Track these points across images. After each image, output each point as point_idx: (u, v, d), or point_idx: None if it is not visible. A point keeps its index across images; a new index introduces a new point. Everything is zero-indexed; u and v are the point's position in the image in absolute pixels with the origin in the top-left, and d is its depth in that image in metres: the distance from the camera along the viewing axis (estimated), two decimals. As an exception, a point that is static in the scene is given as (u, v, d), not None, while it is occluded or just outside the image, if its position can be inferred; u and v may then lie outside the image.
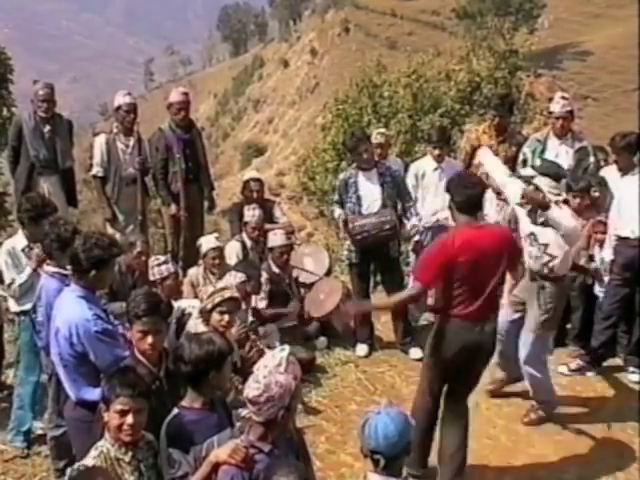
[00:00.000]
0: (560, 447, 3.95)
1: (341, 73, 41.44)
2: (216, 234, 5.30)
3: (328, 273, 5.70)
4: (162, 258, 4.48)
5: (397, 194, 4.96)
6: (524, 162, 5.30)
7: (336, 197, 5.16)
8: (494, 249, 3.41)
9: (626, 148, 4.78)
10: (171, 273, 4.33)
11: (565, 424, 4.16)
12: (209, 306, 3.59)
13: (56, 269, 3.42)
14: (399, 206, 5.02)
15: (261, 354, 3.94)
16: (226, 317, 3.57)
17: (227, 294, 3.62)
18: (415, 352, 5.05)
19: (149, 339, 2.85)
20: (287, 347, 2.43)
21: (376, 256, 5.04)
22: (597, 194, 4.88)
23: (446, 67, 12.93)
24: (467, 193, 3.43)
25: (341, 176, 5.22)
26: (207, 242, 4.81)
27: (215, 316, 3.56)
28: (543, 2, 51.13)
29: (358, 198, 4.88)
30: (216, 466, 2.41)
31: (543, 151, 5.23)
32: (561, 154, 5.19)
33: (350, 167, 5.21)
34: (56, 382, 3.42)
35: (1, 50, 12.82)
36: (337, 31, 62.26)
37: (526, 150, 5.31)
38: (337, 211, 5.04)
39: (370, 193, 4.88)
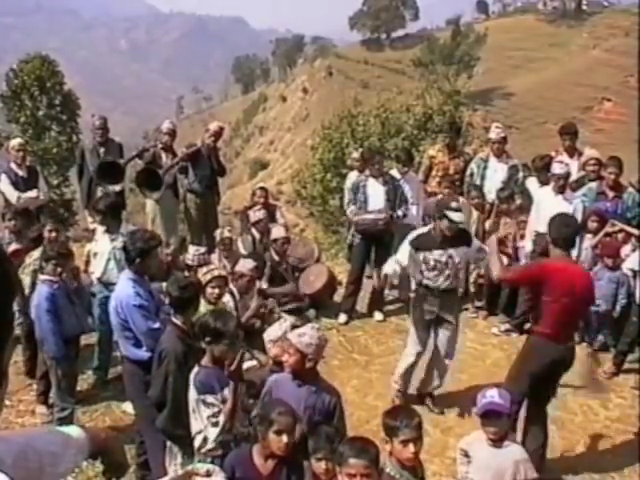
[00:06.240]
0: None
1: (326, 106, 41.15)
2: (229, 227, 5.24)
3: (317, 260, 5.63)
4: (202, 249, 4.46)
5: (396, 198, 4.85)
6: (471, 175, 5.28)
7: (349, 197, 5.10)
8: (582, 283, 3.06)
9: (543, 167, 4.82)
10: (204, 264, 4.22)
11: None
12: (203, 282, 3.47)
13: (47, 277, 3.40)
14: (397, 207, 4.90)
15: (270, 312, 4.03)
16: (216, 290, 3.49)
17: (216, 272, 3.55)
18: (377, 315, 5.07)
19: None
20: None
21: (373, 240, 4.94)
22: (519, 201, 4.88)
23: (406, 102, 12.86)
24: (564, 231, 3.08)
25: (353, 180, 5.16)
26: (220, 233, 4.76)
27: (208, 290, 3.48)
28: (478, 55, 51.30)
29: (365, 198, 4.83)
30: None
31: (485, 167, 5.22)
32: (498, 170, 5.20)
33: (362, 174, 5.10)
34: (57, 366, 3.35)
35: (73, 93, 14.77)
36: (323, 75, 61.78)
37: (473, 166, 5.30)
38: (351, 207, 4.97)
39: (375, 195, 4.81)
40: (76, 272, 3.95)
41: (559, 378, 3.20)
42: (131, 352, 2.99)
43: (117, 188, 4.80)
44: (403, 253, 3.67)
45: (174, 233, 5.43)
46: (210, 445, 2.44)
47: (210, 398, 2.44)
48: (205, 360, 2.54)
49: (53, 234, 4.12)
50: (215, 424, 2.42)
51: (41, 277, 3.49)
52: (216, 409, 2.43)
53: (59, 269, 3.42)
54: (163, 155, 5.34)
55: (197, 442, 2.47)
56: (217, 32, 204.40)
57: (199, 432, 2.45)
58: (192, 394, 2.49)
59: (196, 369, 2.54)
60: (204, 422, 2.44)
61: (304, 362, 2.45)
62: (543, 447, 3.14)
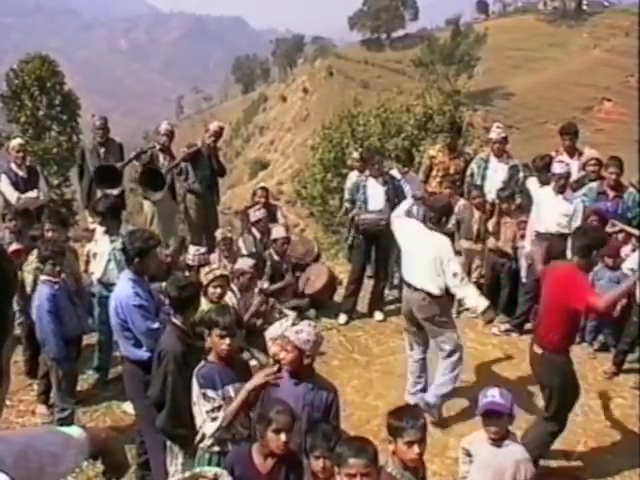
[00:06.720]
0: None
1: (326, 106, 41.15)
2: (229, 227, 5.25)
3: (317, 259, 5.63)
4: (202, 249, 4.44)
5: (396, 197, 4.84)
6: (471, 175, 5.26)
7: (348, 196, 5.13)
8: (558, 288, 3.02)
9: (544, 167, 4.82)
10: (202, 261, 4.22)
11: (498, 376, 4.06)
12: (205, 282, 3.49)
13: (47, 277, 3.35)
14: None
15: (272, 308, 4.08)
16: (218, 290, 3.49)
17: (218, 272, 3.56)
18: (378, 315, 5.06)
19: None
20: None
21: (373, 240, 4.94)
22: (519, 200, 4.88)
23: (406, 102, 12.87)
24: (581, 239, 3.03)
25: (353, 180, 5.16)
26: (221, 233, 4.76)
27: (210, 289, 3.48)
28: (478, 55, 51.29)
29: (365, 198, 4.83)
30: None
31: (486, 167, 5.21)
32: (498, 170, 5.19)
33: (362, 174, 5.10)
34: (57, 366, 3.31)
35: (73, 93, 14.61)
36: (323, 75, 61.71)
37: (473, 166, 5.28)
38: (348, 206, 5.03)
39: (375, 195, 4.82)
40: (78, 276, 3.91)
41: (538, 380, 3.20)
42: (131, 352, 2.96)
43: (115, 192, 4.77)
44: (457, 264, 3.51)
45: (172, 234, 5.39)
46: (208, 441, 2.45)
47: (210, 392, 2.44)
48: (211, 356, 2.56)
49: (49, 234, 4.10)
50: (214, 419, 2.43)
51: (42, 277, 3.45)
52: (216, 404, 2.44)
53: (57, 268, 3.37)
54: (160, 156, 5.30)
55: (198, 437, 2.49)
56: (217, 32, 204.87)
57: (200, 427, 2.47)
58: (195, 388, 2.50)
59: (201, 363, 2.55)
60: (203, 416, 2.46)
61: (301, 359, 2.46)
62: (540, 447, 3.13)
